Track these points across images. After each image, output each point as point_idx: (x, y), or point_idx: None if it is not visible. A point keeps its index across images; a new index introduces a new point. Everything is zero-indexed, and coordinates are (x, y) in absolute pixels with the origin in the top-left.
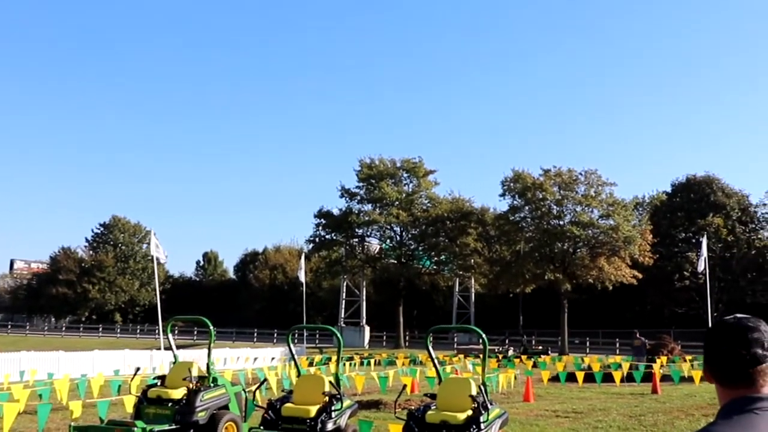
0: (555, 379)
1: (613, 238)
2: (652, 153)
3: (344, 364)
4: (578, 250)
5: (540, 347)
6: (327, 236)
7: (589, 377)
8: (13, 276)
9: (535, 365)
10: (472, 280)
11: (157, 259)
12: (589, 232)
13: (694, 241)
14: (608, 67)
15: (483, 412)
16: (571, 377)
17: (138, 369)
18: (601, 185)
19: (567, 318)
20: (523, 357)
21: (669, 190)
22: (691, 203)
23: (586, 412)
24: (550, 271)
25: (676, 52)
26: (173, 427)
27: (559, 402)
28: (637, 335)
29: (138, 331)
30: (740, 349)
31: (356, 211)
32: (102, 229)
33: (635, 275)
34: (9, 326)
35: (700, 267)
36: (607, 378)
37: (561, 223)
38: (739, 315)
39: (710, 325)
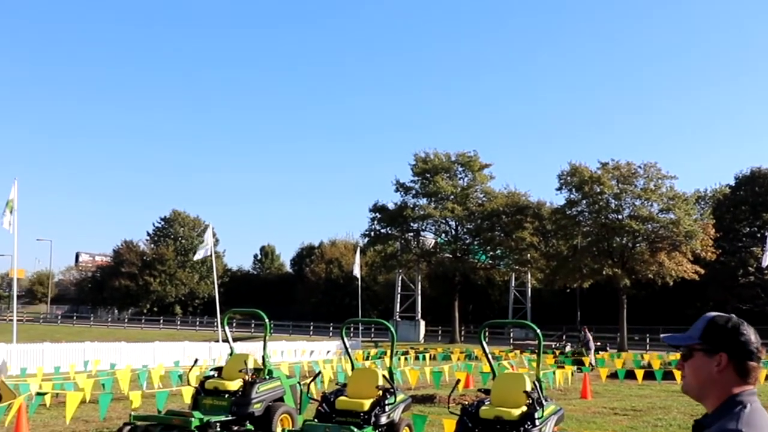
0: (613, 376)
1: (674, 233)
2: (715, 145)
3: (399, 359)
4: (637, 245)
5: (598, 343)
6: (382, 230)
7: (649, 375)
8: (79, 269)
9: None
10: (529, 275)
11: (207, 251)
12: (649, 226)
13: (758, 235)
14: (667, 57)
15: (538, 408)
16: (630, 374)
17: (196, 360)
18: (661, 178)
19: (626, 314)
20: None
21: (732, 183)
22: (756, 197)
23: (646, 410)
24: (608, 266)
25: (738, 39)
26: (230, 418)
27: (618, 399)
28: (585, 330)
29: (197, 323)
30: (759, 344)
31: (411, 206)
32: (162, 222)
33: (697, 270)
34: (74, 317)
35: (765, 262)
36: (668, 376)
37: (619, 217)
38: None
39: (732, 321)
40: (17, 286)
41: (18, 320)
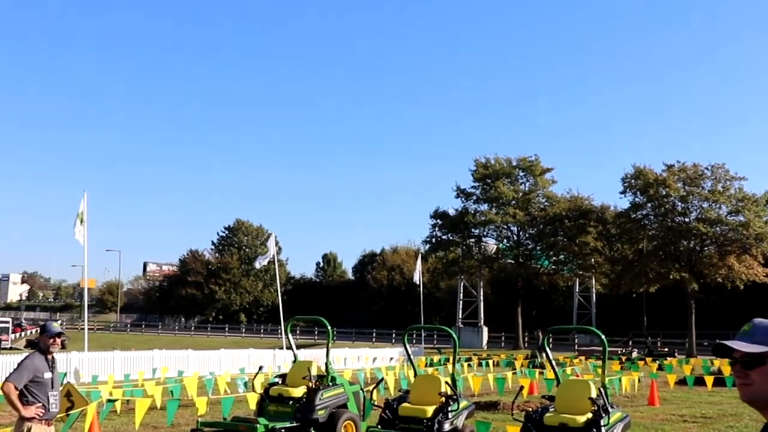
0: (682, 382)
1: (744, 235)
2: None
3: (462, 365)
4: (705, 248)
5: (666, 349)
6: (443, 237)
7: (719, 381)
8: (146, 278)
9: (660, 368)
10: (593, 280)
11: (268, 259)
12: (717, 229)
13: None
14: (731, 59)
15: (603, 415)
16: (699, 381)
17: (261, 368)
18: (730, 180)
19: (695, 319)
20: (648, 359)
21: None
22: None
23: (716, 417)
24: (675, 270)
25: None
26: (294, 424)
27: (687, 406)
28: (539, 332)
29: (262, 330)
30: None
31: (472, 211)
32: (227, 232)
33: None
34: (143, 326)
35: None
36: None
37: (686, 220)
38: None
39: None
40: (88, 296)
41: (89, 329)
